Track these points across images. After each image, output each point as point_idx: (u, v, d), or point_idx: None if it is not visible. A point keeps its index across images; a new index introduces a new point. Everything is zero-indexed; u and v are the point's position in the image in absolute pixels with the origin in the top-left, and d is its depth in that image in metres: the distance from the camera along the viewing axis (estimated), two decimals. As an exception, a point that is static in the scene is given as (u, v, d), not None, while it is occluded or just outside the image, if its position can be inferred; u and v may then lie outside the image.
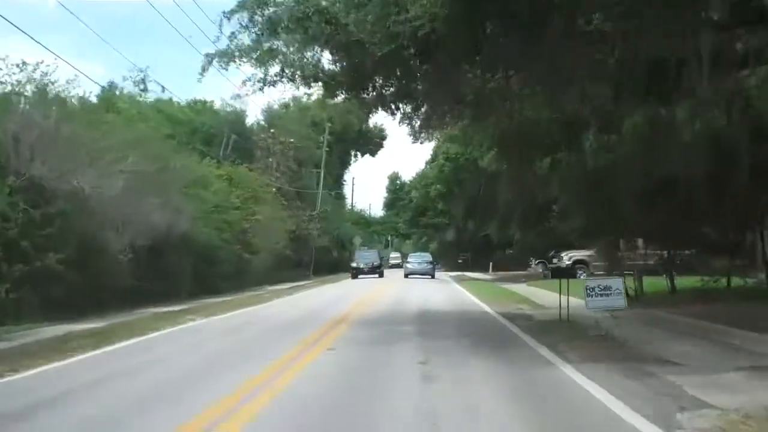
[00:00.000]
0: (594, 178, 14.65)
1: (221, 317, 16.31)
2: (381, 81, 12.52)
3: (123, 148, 17.85)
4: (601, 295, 10.05)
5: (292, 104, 62.51)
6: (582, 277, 23.65)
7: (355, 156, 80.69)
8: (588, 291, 10.21)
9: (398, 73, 12.30)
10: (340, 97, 13.42)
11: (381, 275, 42.45)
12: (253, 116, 59.21)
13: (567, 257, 31.82)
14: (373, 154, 79.90)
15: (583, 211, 16.19)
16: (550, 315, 14.82)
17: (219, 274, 26.92)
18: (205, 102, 56.93)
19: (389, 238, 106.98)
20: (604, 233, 16.31)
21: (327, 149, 55.96)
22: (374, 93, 12.76)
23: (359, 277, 41.27)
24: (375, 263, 44.14)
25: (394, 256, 71.07)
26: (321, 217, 50.49)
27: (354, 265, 44.31)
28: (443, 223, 55.26)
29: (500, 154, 17.94)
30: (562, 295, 12.67)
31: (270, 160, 45.34)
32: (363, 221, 68.52)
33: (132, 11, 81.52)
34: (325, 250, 55.55)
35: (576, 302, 12.89)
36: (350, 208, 77.67)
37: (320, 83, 11.92)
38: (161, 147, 22.25)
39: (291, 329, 12.94)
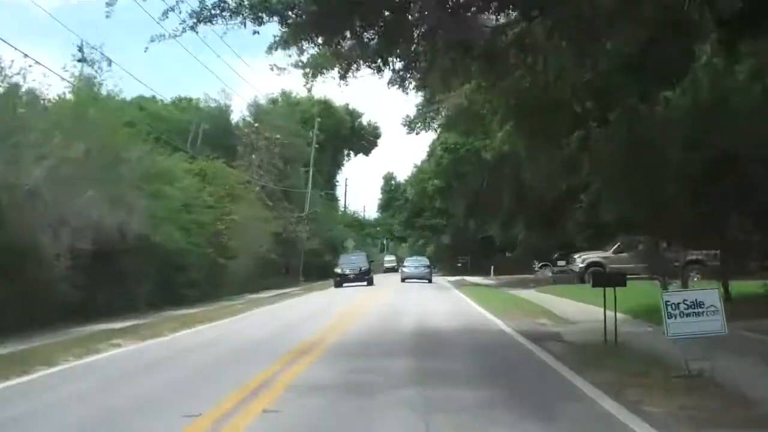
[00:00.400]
0: (640, 156, 11.36)
1: (163, 340, 12.97)
2: (361, 23, 9.24)
3: (51, 132, 14.48)
4: (688, 314, 6.69)
5: (280, 100, 59.30)
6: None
7: (348, 155, 77.48)
8: (669, 309, 6.79)
9: (385, 15, 9.09)
10: (311, 51, 10.13)
11: (370, 282, 37.00)
12: (239, 112, 55.42)
13: (580, 260, 28.47)
14: (366, 152, 76.71)
15: (625, 198, 12.86)
16: (583, 333, 11.57)
17: (187, 282, 23.59)
18: (190, 99, 53.80)
19: (384, 242, 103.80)
20: (652, 227, 13.01)
21: (317, 146, 52.60)
22: (353, 40, 9.50)
23: (344, 285, 35.93)
24: (363, 268, 38.06)
25: (389, 260, 67.66)
26: (310, 219, 47.16)
27: (338, 271, 38.08)
28: (440, 224, 52.01)
29: (516, 129, 14.58)
30: (590, 307, 9.28)
31: (253, 156, 42.02)
32: (356, 223, 65.24)
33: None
34: (316, 253, 52.22)
35: (604, 313, 9.61)
36: (343, 209, 74.42)
37: (277, 20, 8.61)
38: (111, 135, 18.86)
39: (239, 361, 9.61)
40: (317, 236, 51.34)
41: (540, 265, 50.16)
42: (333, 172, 72.94)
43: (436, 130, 30.87)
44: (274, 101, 55.84)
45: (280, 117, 52.18)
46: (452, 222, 51.86)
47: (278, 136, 45.07)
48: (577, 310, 16.20)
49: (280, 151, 45.48)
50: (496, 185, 29.58)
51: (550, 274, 30.91)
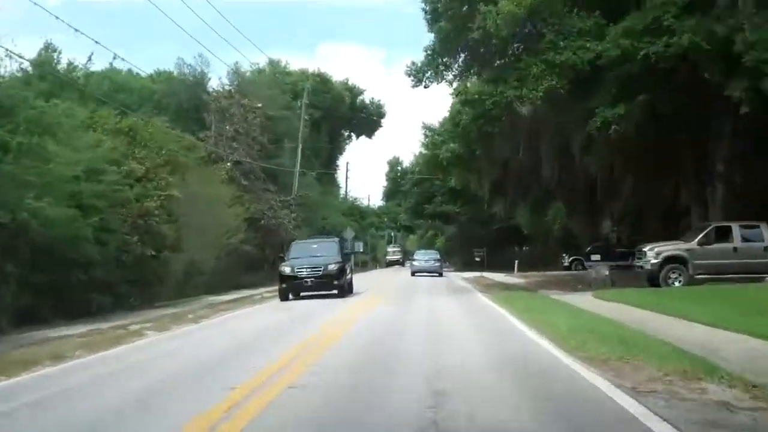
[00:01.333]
0: None
1: None
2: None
3: None
4: None
5: (267, 69, 51.57)
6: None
7: (348, 137, 69.73)
8: None
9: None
10: None
11: (343, 291, 21.90)
12: (218, 79, 47.62)
13: (653, 253, 20.51)
14: (369, 134, 68.86)
15: None
16: None
17: (88, 283, 16.06)
18: (171, 73, 46.35)
19: (392, 234, 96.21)
20: None
21: (306, 118, 44.93)
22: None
23: (291, 298, 21.33)
24: (331, 268, 21.62)
25: (393, 251, 61.13)
26: (299, 204, 39.56)
27: (285, 271, 21.83)
28: (452, 211, 44.32)
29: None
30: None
31: (227, 127, 34.43)
32: (357, 212, 57.77)
33: None
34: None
35: None
36: (344, 196, 66.78)
37: None
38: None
39: None
40: (310, 225, 43.80)
41: (571, 259, 42.78)
42: (331, 155, 65.27)
43: (450, 83, 23.21)
44: (260, 71, 48.12)
45: (266, 87, 44.57)
46: (468, 208, 44.26)
47: (260, 104, 37.47)
48: (724, 341, 8.65)
49: (263, 123, 37.92)
50: (533, 152, 21.91)
51: (607, 273, 23.05)
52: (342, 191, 68.22)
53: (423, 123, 46.62)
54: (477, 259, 36.43)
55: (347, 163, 70.25)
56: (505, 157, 23.22)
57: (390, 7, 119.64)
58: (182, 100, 39.40)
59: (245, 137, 34.87)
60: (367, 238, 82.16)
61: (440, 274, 39.09)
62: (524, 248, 56.14)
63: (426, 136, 40.75)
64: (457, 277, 36.14)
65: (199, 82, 42.23)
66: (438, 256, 43.98)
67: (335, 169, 72.80)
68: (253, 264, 35.08)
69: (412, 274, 38.94)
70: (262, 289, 27.41)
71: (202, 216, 25.02)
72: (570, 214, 29.86)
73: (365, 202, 71.75)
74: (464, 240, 55.07)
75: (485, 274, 37.88)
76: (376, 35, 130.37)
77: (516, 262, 38.58)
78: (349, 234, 48.11)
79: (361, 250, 54.20)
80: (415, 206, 46.14)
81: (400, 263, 61.93)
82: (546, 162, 22.34)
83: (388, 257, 61.92)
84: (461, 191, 44.89)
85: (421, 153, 46.65)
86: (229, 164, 32.61)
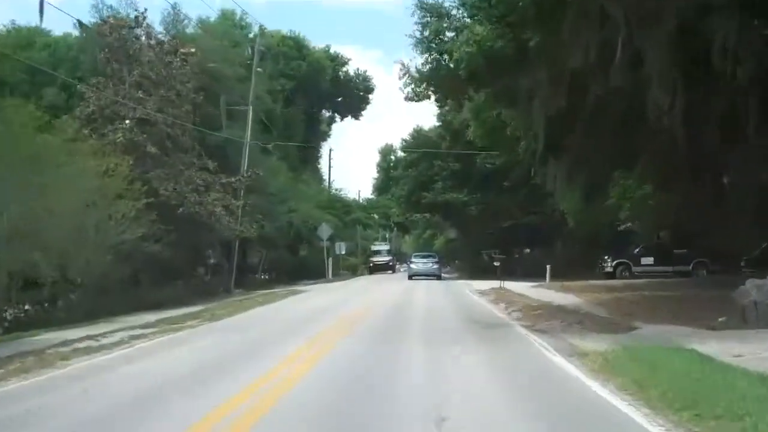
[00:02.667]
0: None
1: None
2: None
3: None
4: None
5: (214, 16, 40.43)
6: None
7: (332, 119, 58.96)
8: None
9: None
10: None
11: None
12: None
13: None
14: (356, 114, 58.15)
15: None
16: None
17: None
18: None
19: (386, 235, 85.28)
20: None
21: (260, 70, 34.07)
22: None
23: None
24: None
25: (379, 250, 49.49)
26: (250, 189, 28.66)
27: None
28: (458, 200, 33.43)
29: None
30: None
31: (135, 73, 23.46)
32: (340, 205, 46.95)
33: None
34: (269, 243, 33.97)
35: None
36: (329, 187, 55.96)
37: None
38: None
39: None
40: (271, 218, 32.96)
41: (615, 263, 32.41)
42: (307, 136, 54.44)
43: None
44: (202, 21, 37.08)
45: (213, 38, 33.81)
46: (480, 196, 33.46)
47: (192, 49, 26.65)
48: None
49: (202, 80, 27.15)
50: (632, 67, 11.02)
51: (749, 291, 12.28)
52: (329, 184, 57.82)
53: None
54: (496, 263, 25.55)
55: (330, 150, 59.40)
56: (576, 70, 12.12)
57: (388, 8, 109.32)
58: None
59: (164, 89, 23.96)
60: (358, 239, 71.38)
61: (438, 277, 37.70)
62: (527, 250, 45.33)
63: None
64: (470, 290, 25.32)
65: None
66: (436, 258, 41.73)
67: (316, 155, 62.11)
68: (176, 271, 24.34)
69: (410, 277, 37.42)
70: (171, 313, 16.63)
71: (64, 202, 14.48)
72: (665, 187, 18.88)
73: (350, 194, 60.69)
74: (472, 240, 44.24)
75: (506, 284, 27.19)
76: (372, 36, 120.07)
77: (548, 267, 27.77)
78: (324, 231, 37.32)
79: (344, 252, 43.36)
80: (410, 195, 35.35)
81: (389, 268, 50.93)
82: (658, 85, 11.28)
83: (372, 259, 50.34)
84: (467, 173, 34.18)
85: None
86: (127, 123, 21.74)
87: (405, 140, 35.10)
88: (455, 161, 33.60)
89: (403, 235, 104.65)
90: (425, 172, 34.37)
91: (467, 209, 33.33)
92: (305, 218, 37.03)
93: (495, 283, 28.91)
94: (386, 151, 60.00)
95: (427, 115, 54.84)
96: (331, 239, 40.83)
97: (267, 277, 46.61)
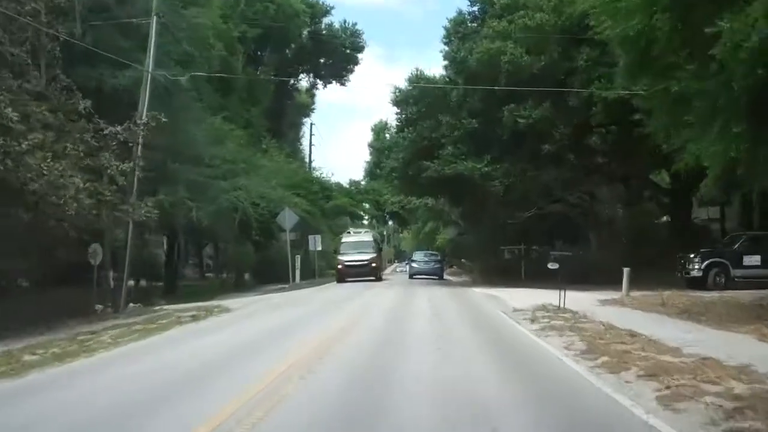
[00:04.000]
0: None
1: None
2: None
3: None
4: None
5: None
6: None
7: (314, 84, 48.48)
8: None
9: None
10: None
11: None
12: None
13: None
14: (340, 78, 47.66)
15: None
16: None
17: None
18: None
19: (376, 224, 74.87)
20: None
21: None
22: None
23: None
24: None
25: (353, 242, 32.04)
26: (146, 143, 18.07)
27: None
28: (476, 173, 22.69)
29: None
30: None
31: None
32: (319, 188, 36.19)
33: None
34: (210, 233, 23.56)
35: None
36: (309, 168, 45.41)
37: None
38: None
39: None
40: (204, 197, 22.65)
41: (705, 264, 22.07)
42: (281, 105, 44.03)
43: None
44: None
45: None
46: (506, 167, 22.94)
47: None
48: None
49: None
50: None
51: None
52: (309, 164, 47.27)
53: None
54: (552, 266, 14.99)
55: (311, 124, 49.12)
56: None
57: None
58: None
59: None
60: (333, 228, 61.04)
61: (440, 277, 36.17)
62: (556, 245, 35.13)
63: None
64: (505, 311, 14.65)
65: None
66: (438, 257, 40.10)
67: (299, 138, 51.73)
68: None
69: (410, 276, 36.29)
70: None
71: None
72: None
73: (331, 176, 49.95)
74: (486, 233, 33.78)
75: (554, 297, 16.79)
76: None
77: (626, 271, 17.16)
78: (287, 219, 26.83)
79: (319, 248, 32.80)
80: (406, 165, 24.69)
81: (370, 273, 31.32)
82: None
83: (343, 258, 31.47)
84: (489, 134, 23.72)
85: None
86: None
87: (399, 89, 24.75)
88: (471, 116, 23.23)
89: (401, 230, 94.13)
90: (428, 133, 23.96)
91: (487, 185, 22.89)
92: (262, 200, 26.53)
93: (537, 295, 18.50)
94: (380, 129, 49.65)
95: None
96: (300, 230, 30.32)
97: (223, 276, 36.32)
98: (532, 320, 12.65)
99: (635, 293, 17.62)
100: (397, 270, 68.58)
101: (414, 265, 37.65)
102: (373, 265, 31.53)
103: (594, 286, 20.78)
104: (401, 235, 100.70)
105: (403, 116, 25.63)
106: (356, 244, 32.60)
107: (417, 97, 24.96)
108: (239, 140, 28.54)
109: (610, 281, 20.49)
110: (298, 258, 29.31)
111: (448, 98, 24.32)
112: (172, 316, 14.55)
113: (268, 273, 32.88)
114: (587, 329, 10.98)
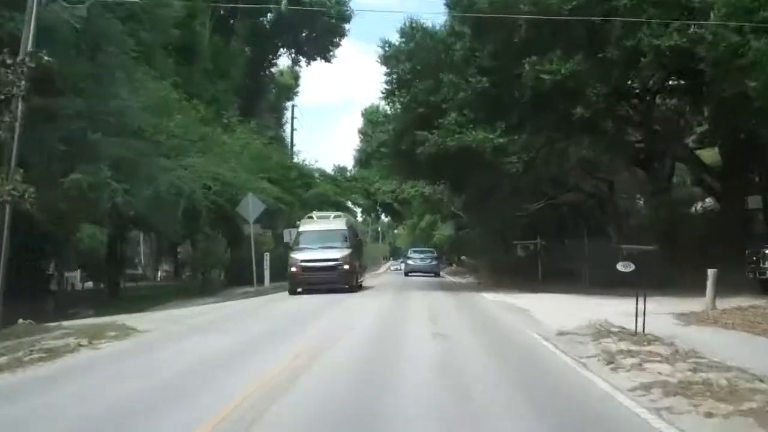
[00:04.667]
0: None
1: None
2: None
3: None
4: None
5: None
6: None
7: (296, 61, 43.07)
8: None
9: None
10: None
11: None
12: None
13: None
14: (326, 53, 42.30)
15: None
16: None
17: None
18: None
19: (380, 230, 69.98)
20: None
21: None
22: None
23: None
24: None
25: (311, 233, 21.04)
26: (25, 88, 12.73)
27: None
28: (487, 144, 17.36)
29: None
30: None
31: None
32: (296, 173, 30.86)
33: None
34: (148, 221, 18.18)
35: None
36: (292, 150, 40.08)
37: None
38: None
39: None
40: (131, 177, 17.43)
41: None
42: (256, 82, 38.71)
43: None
44: None
45: None
46: (530, 137, 17.71)
47: None
48: None
49: None
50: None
51: None
52: (291, 149, 41.91)
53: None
54: (624, 268, 9.82)
55: (293, 106, 43.65)
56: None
57: None
58: None
59: None
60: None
61: (436, 275, 35.10)
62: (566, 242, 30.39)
63: None
64: (554, 344, 9.29)
65: None
66: (435, 255, 39.23)
67: (282, 122, 46.44)
68: None
69: (406, 274, 35.58)
70: None
71: None
72: None
73: (315, 163, 44.37)
74: (493, 225, 28.70)
75: (607, 310, 11.64)
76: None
77: (711, 274, 12.02)
78: (251, 208, 21.52)
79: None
80: (399, 139, 19.25)
81: (338, 279, 20.52)
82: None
83: (298, 256, 20.65)
84: (497, 99, 18.46)
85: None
86: None
87: (388, 43, 19.33)
88: (480, 74, 17.99)
89: (395, 226, 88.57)
90: (425, 97, 18.66)
91: (501, 162, 17.60)
92: (220, 184, 21.22)
93: (572, 306, 13.46)
94: (371, 113, 44.45)
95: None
96: (272, 223, 25.03)
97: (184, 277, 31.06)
98: (608, 361, 7.41)
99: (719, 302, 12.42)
100: (391, 269, 63.65)
101: (410, 262, 37.24)
102: (345, 267, 20.58)
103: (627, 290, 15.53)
104: (396, 231, 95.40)
105: (394, 77, 20.30)
106: (321, 235, 21.66)
107: (411, 52, 19.65)
108: (196, 114, 23.24)
109: (654, 284, 15.16)
110: (267, 256, 24.03)
111: (451, 52, 19.00)
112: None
113: (241, 273, 27.65)
114: (737, 388, 5.77)
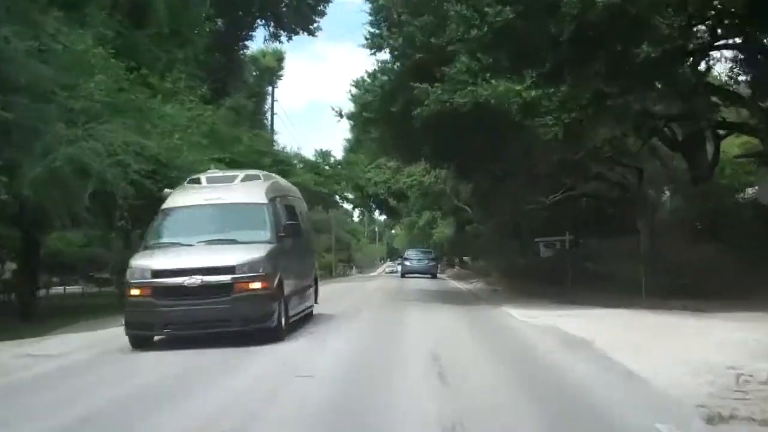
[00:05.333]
0: None
1: None
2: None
3: None
4: None
5: None
6: None
7: (276, 35, 37.77)
8: None
9: None
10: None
11: None
12: None
13: None
14: (306, 25, 37.00)
15: None
16: None
17: None
18: None
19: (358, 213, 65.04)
20: None
21: None
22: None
23: None
24: None
25: (185, 209, 9.47)
26: None
27: None
28: (511, 97, 12.12)
29: None
30: None
31: None
32: (270, 161, 25.76)
33: None
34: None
35: None
36: (272, 135, 34.93)
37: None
38: None
39: None
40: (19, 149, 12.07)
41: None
42: (230, 62, 33.53)
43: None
44: None
45: None
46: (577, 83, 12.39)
47: None
48: None
49: None
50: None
51: None
52: (271, 134, 36.76)
53: None
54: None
55: (272, 88, 38.49)
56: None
57: None
58: None
59: None
60: (332, 225, 50.82)
61: (434, 276, 34.22)
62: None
63: None
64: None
65: None
66: (432, 255, 38.06)
67: (260, 105, 41.22)
68: None
69: (403, 275, 34.98)
70: None
71: None
72: None
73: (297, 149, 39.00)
74: (518, 219, 23.57)
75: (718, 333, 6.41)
76: None
77: None
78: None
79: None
80: (388, 98, 14.03)
81: (238, 305, 9.20)
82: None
83: (143, 262, 9.63)
84: (524, 38, 13.14)
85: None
86: None
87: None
88: (500, 3, 12.69)
89: (392, 225, 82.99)
90: (424, 38, 13.35)
91: (532, 125, 12.23)
92: (153, 162, 15.90)
93: (675, 333, 8.45)
94: (359, 84, 38.98)
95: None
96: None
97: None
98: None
99: None
100: (387, 271, 59.15)
101: (407, 263, 36.32)
102: (254, 285, 9.35)
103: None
104: (393, 231, 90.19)
105: (382, 14, 14.99)
106: (208, 215, 10.66)
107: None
108: (128, 77, 17.87)
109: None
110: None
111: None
112: None
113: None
114: None
